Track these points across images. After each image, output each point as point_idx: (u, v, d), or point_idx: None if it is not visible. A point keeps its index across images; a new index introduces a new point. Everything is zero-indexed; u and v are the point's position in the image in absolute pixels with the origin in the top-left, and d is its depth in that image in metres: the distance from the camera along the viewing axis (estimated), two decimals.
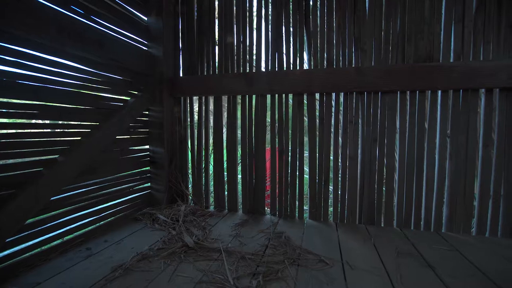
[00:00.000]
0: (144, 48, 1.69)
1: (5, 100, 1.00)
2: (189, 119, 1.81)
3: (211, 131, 1.81)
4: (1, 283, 0.91)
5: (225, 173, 1.77)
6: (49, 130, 1.15)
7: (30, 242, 1.04)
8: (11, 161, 1.01)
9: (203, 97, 1.77)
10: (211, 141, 1.81)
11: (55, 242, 1.15)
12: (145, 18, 1.71)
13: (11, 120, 1.04)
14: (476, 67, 1.31)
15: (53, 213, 1.13)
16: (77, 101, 1.26)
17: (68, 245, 1.18)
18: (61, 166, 1.13)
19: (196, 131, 1.81)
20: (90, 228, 1.32)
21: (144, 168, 1.73)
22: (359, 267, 1.05)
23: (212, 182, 1.80)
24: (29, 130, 1.08)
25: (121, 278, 0.96)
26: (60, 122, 1.22)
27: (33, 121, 1.14)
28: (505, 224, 1.35)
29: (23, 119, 1.05)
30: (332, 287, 0.92)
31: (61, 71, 1.18)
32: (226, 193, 1.76)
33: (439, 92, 1.39)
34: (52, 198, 1.11)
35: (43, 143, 1.10)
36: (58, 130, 1.21)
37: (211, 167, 1.82)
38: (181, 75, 1.82)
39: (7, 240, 0.94)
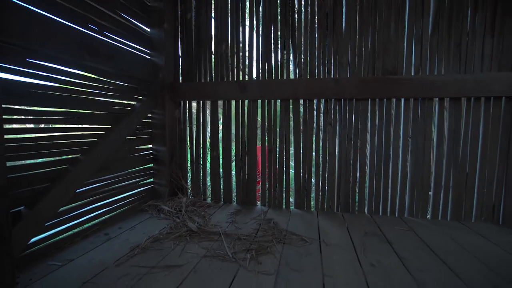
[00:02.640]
0: (148, 57, 1.88)
1: (36, 108, 1.18)
2: (188, 121, 2.02)
3: (208, 131, 2.03)
4: (43, 259, 1.11)
5: (221, 169, 1.99)
6: (72, 133, 1.34)
7: (61, 227, 1.24)
8: (45, 159, 1.20)
9: (201, 101, 1.98)
10: (208, 140, 2.03)
11: (78, 228, 1.35)
12: (148, 30, 1.89)
13: (42, 125, 1.22)
14: (431, 80, 1.58)
15: (77, 203, 1.33)
16: (93, 107, 1.45)
17: (88, 231, 1.39)
18: (83, 163, 1.32)
19: (194, 131, 2.02)
20: (105, 217, 1.52)
21: (148, 165, 1.93)
22: (333, 244, 1.31)
23: (209, 177, 2.02)
24: (57, 134, 1.26)
25: (139, 255, 1.18)
26: (80, 125, 1.41)
27: (60, 125, 1.31)
28: (453, 210, 1.64)
29: (52, 124, 1.24)
30: (310, 258, 1.17)
31: (80, 81, 1.37)
32: (221, 186, 1.99)
33: (402, 100, 1.66)
34: (76, 191, 1.30)
35: (68, 144, 1.29)
36: (79, 132, 1.39)
37: (208, 164, 2.04)
38: (180, 81, 2.02)
39: (45, 224, 1.14)
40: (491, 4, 1.54)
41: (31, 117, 1.17)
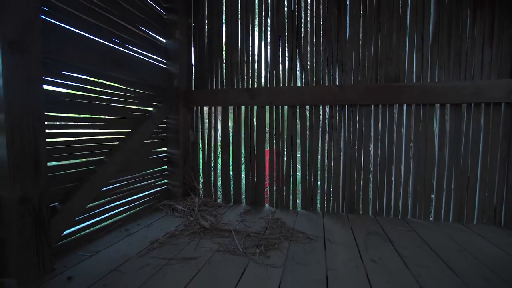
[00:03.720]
0: (163, 66, 2.02)
1: (67, 115, 1.32)
2: (200, 126, 2.14)
3: (219, 135, 2.14)
4: (73, 250, 1.24)
5: (231, 171, 2.10)
6: (97, 137, 1.47)
7: (89, 222, 1.36)
8: (75, 161, 1.33)
9: (212, 107, 2.10)
10: (219, 143, 2.14)
11: (102, 224, 1.48)
12: (164, 41, 2.03)
13: (72, 130, 1.35)
14: (432, 87, 1.65)
15: (102, 201, 1.46)
16: (115, 113, 1.58)
17: (111, 226, 1.51)
18: (107, 165, 1.45)
19: (206, 135, 2.14)
20: (125, 214, 1.64)
21: (163, 167, 2.06)
22: (336, 242, 1.39)
23: (220, 179, 2.13)
24: (84, 138, 1.39)
25: (158, 248, 1.30)
26: (104, 130, 1.54)
27: (86, 130, 1.45)
28: (455, 212, 1.70)
29: (81, 129, 1.37)
30: (314, 254, 1.26)
31: (105, 90, 1.51)
32: (232, 187, 2.09)
33: (404, 105, 1.74)
34: (102, 189, 1.43)
35: (94, 147, 1.43)
36: (103, 136, 1.52)
37: (219, 166, 2.15)
38: (193, 88, 2.15)
39: (75, 219, 1.27)
40: (489, 15, 1.61)
41: (63, 123, 1.30)
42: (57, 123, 1.26)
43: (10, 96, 0.92)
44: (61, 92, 1.25)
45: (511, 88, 1.54)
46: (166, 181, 2.09)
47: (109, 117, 1.54)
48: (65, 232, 1.23)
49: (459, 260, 1.20)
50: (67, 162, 1.31)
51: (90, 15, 1.37)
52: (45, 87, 1.10)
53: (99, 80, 1.47)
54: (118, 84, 1.61)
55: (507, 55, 1.59)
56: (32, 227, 1.00)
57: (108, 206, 1.51)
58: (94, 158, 1.43)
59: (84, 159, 1.38)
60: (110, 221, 1.54)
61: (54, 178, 1.19)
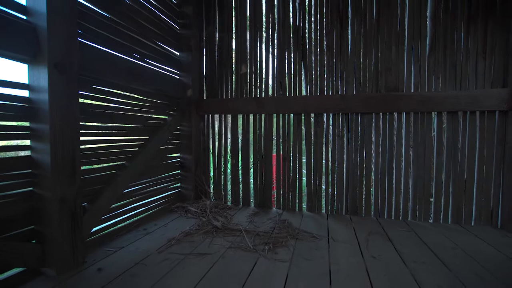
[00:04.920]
0: (177, 77, 2.17)
1: (94, 124, 1.47)
2: (211, 133, 2.28)
3: (229, 141, 2.28)
4: (99, 245, 1.37)
5: (240, 175, 2.22)
6: (119, 144, 1.61)
7: (112, 221, 1.50)
8: (102, 165, 1.47)
9: (223, 115, 2.24)
10: (228, 149, 2.27)
11: (123, 223, 1.61)
12: (178, 54, 2.19)
13: (99, 138, 1.50)
14: (430, 96, 1.76)
15: (123, 202, 1.59)
16: (135, 121, 1.73)
17: (131, 226, 1.65)
18: (128, 169, 1.59)
19: (216, 141, 2.27)
20: (143, 215, 1.78)
21: (176, 171, 2.19)
22: (339, 240, 1.50)
23: (230, 182, 2.26)
24: (108, 144, 1.54)
25: (175, 245, 1.42)
26: (125, 137, 1.68)
27: (111, 137, 1.59)
28: (454, 214, 1.78)
29: (106, 136, 1.52)
30: (319, 251, 1.37)
31: (126, 100, 1.66)
32: (241, 191, 2.22)
33: (404, 114, 1.85)
34: (123, 192, 1.57)
35: (117, 152, 1.57)
36: (124, 143, 1.67)
37: (228, 170, 2.28)
38: (205, 97, 2.30)
39: (102, 218, 1.41)
40: (482, 28, 1.72)
41: (93, 131, 1.45)
42: (87, 131, 1.41)
43: (54, 110, 1.07)
44: (90, 103, 1.41)
45: (503, 97, 1.64)
46: (179, 184, 2.23)
47: (129, 125, 1.69)
48: (93, 230, 1.37)
49: (453, 258, 1.29)
50: (95, 166, 1.46)
51: (115, 33, 1.52)
52: (81, 100, 1.25)
53: (122, 92, 1.62)
54: (138, 95, 1.76)
55: (499, 65, 1.69)
56: (69, 223, 1.14)
57: (128, 207, 1.65)
58: (117, 163, 1.57)
59: (108, 164, 1.52)
60: (130, 221, 1.67)
61: (84, 181, 1.34)
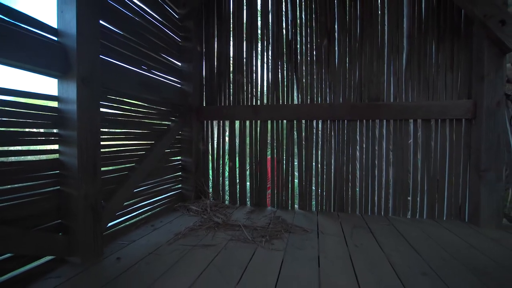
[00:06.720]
0: (179, 86, 2.34)
1: (109, 130, 1.63)
2: (210, 137, 2.46)
3: (226, 145, 2.46)
4: (114, 239, 1.53)
5: (237, 177, 2.40)
6: (130, 148, 1.77)
7: (124, 217, 1.66)
8: (116, 167, 1.63)
9: (221, 121, 2.42)
10: (226, 153, 2.45)
11: (133, 220, 1.77)
12: (180, 64, 2.37)
13: (113, 142, 1.66)
14: (406, 106, 2.00)
15: (133, 200, 1.75)
16: (142, 127, 1.90)
17: (139, 223, 1.80)
18: (138, 170, 1.76)
19: (215, 145, 2.45)
20: (149, 213, 1.94)
21: (177, 173, 2.36)
22: (327, 233, 1.70)
23: (227, 183, 2.43)
24: (121, 148, 1.70)
25: (182, 238, 1.59)
26: (134, 142, 1.84)
27: (123, 142, 1.76)
28: (428, 210, 2.01)
29: (119, 141, 1.68)
30: (309, 242, 1.56)
31: (136, 108, 1.82)
32: (238, 191, 2.40)
33: (384, 121, 2.08)
34: (133, 191, 1.73)
35: (128, 155, 1.73)
36: (134, 147, 1.82)
37: (226, 172, 2.46)
38: (204, 105, 2.48)
39: (116, 214, 1.56)
40: (449, 47, 1.97)
41: (108, 136, 1.61)
42: (104, 137, 1.56)
43: (81, 118, 1.23)
44: (107, 112, 1.57)
45: (468, 107, 1.88)
46: (180, 185, 2.39)
47: (138, 131, 1.85)
48: (108, 225, 1.52)
49: (424, 246, 1.51)
50: (110, 168, 1.62)
51: (127, 48, 1.69)
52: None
53: (132, 101, 1.79)
54: (145, 103, 1.93)
55: (464, 80, 1.94)
56: (91, 218, 1.30)
57: (137, 205, 1.81)
58: (128, 165, 1.73)
59: (121, 166, 1.68)
60: (138, 218, 1.83)
61: (102, 181, 1.49)
